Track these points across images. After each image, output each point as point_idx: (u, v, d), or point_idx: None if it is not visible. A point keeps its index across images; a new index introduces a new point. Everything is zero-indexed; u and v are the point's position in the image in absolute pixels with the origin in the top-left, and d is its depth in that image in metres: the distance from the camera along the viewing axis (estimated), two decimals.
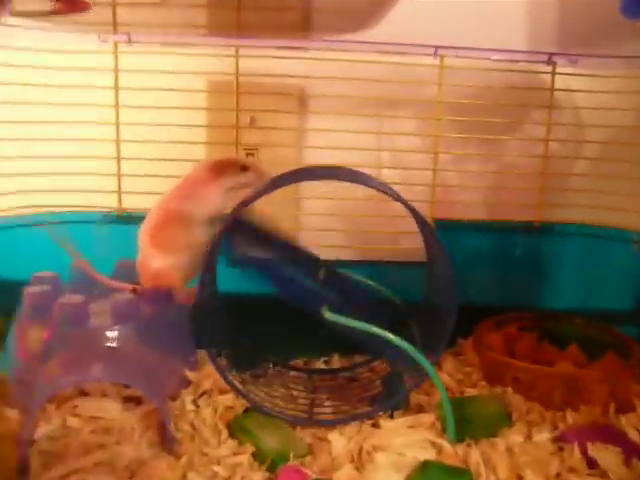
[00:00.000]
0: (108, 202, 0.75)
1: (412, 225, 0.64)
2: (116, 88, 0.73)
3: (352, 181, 0.55)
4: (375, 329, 0.52)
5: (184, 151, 0.73)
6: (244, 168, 0.62)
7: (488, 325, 0.71)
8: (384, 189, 0.55)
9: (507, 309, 0.74)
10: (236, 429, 0.55)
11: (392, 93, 0.74)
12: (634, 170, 0.73)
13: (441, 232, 0.58)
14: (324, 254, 0.64)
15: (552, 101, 0.76)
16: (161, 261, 0.61)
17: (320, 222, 0.75)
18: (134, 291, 0.62)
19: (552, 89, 0.76)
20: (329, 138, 0.74)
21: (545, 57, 0.74)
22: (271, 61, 0.72)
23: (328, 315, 0.53)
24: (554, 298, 0.79)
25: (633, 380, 0.62)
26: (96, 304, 0.59)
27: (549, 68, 0.75)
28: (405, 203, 0.54)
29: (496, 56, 0.73)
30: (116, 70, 0.73)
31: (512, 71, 0.75)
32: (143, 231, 0.63)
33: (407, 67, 0.73)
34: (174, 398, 0.59)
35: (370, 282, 0.67)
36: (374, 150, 0.77)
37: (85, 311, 0.57)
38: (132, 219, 0.70)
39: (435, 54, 0.72)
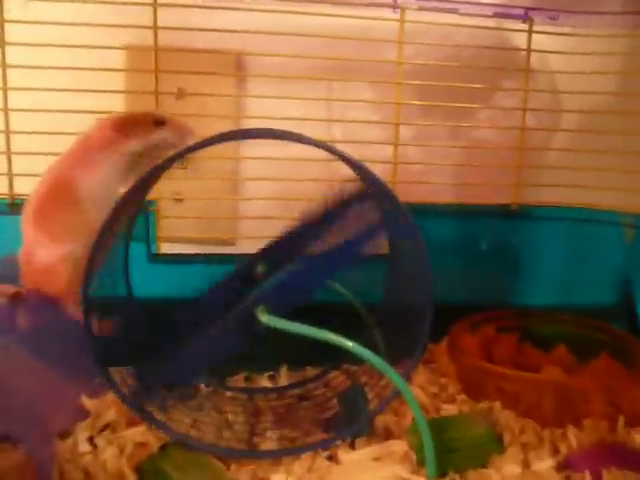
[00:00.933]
0: None
1: None
2: (2, 43, 0.61)
3: (295, 140, 0.43)
4: (327, 334, 0.40)
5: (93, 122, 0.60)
6: (159, 123, 0.53)
7: (462, 327, 0.64)
8: (333, 150, 0.43)
9: (481, 308, 0.66)
10: (149, 473, 0.45)
11: (346, 53, 0.66)
12: (623, 142, 0.66)
13: None
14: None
15: (529, 64, 0.67)
16: (48, 251, 0.48)
17: (262, 208, 0.66)
18: (16, 295, 0.48)
19: (529, 50, 0.68)
20: (271, 107, 0.65)
21: (521, 12, 0.66)
22: (200, 12, 0.62)
23: (264, 318, 0.40)
24: (534, 293, 0.74)
25: (636, 385, 0.54)
26: None
27: (525, 26, 0.67)
28: (365, 170, 0.42)
29: (465, 9, 0.65)
30: (1, 20, 0.60)
31: (483, 28, 0.67)
32: (26, 212, 0.51)
33: (363, 22, 0.65)
34: (66, 436, 0.46)
35: None
36: (324, 121, 0.69)
37: None
38: None
39: (395, 6, 0.65)
